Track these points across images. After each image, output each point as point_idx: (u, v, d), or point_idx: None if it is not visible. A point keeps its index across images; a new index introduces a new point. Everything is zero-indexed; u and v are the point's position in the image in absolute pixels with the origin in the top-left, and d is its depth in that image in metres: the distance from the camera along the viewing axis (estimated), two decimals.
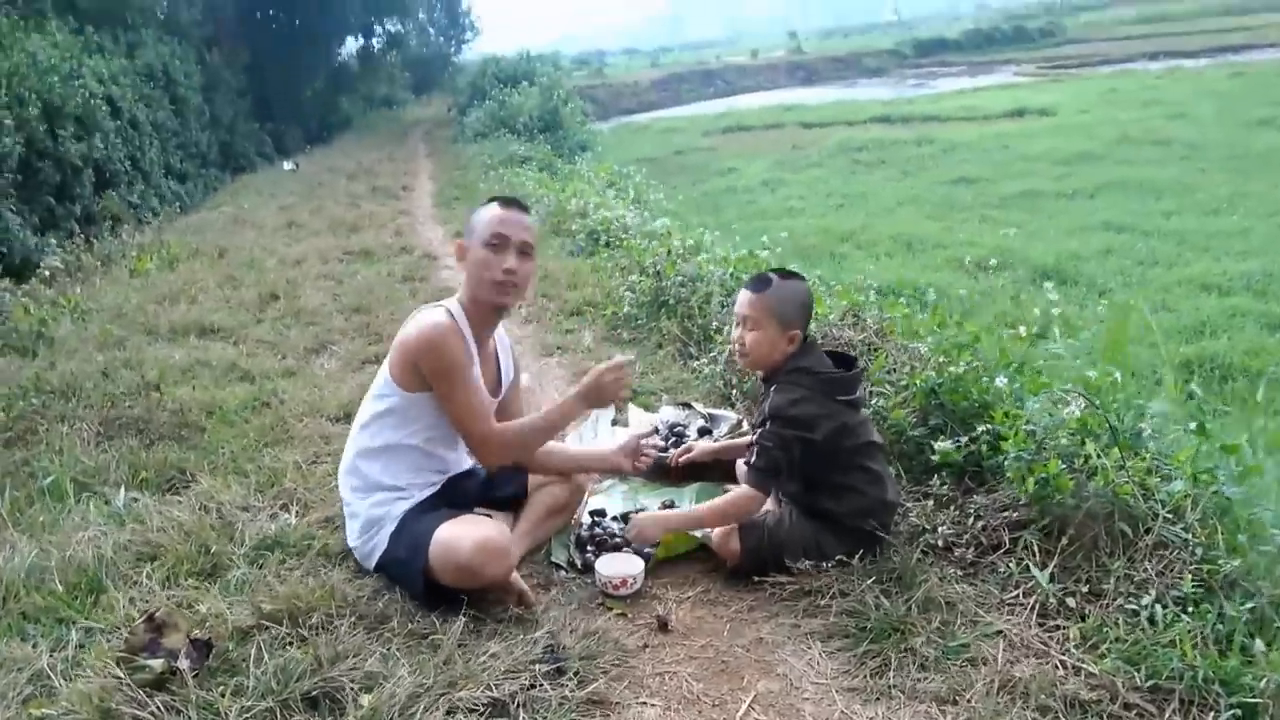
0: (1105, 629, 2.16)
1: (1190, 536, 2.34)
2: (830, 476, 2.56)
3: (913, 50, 40.51)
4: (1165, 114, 14.99)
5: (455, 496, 2.70)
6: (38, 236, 8.84)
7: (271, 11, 20.88)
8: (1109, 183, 10.58)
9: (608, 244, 6.82)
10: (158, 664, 2.08)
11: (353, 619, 2.36)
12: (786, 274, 2.72)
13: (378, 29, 27.95)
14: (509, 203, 2.61)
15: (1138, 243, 8.07)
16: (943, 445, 2.75)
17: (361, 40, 27.73)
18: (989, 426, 2.70)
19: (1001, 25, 45.64)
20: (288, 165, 14.90)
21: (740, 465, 3.00)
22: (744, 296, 2.72)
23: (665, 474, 3.18)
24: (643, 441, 2.82)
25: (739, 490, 2.65)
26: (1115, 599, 2.25)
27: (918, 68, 36.33)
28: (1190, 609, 2.14)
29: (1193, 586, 2.20)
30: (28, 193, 9.18)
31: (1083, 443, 2.58)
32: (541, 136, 15.85)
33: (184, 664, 2.11)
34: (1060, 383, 2.86)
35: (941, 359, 3.06)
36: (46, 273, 6.65)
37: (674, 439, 3.31)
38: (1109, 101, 17.66)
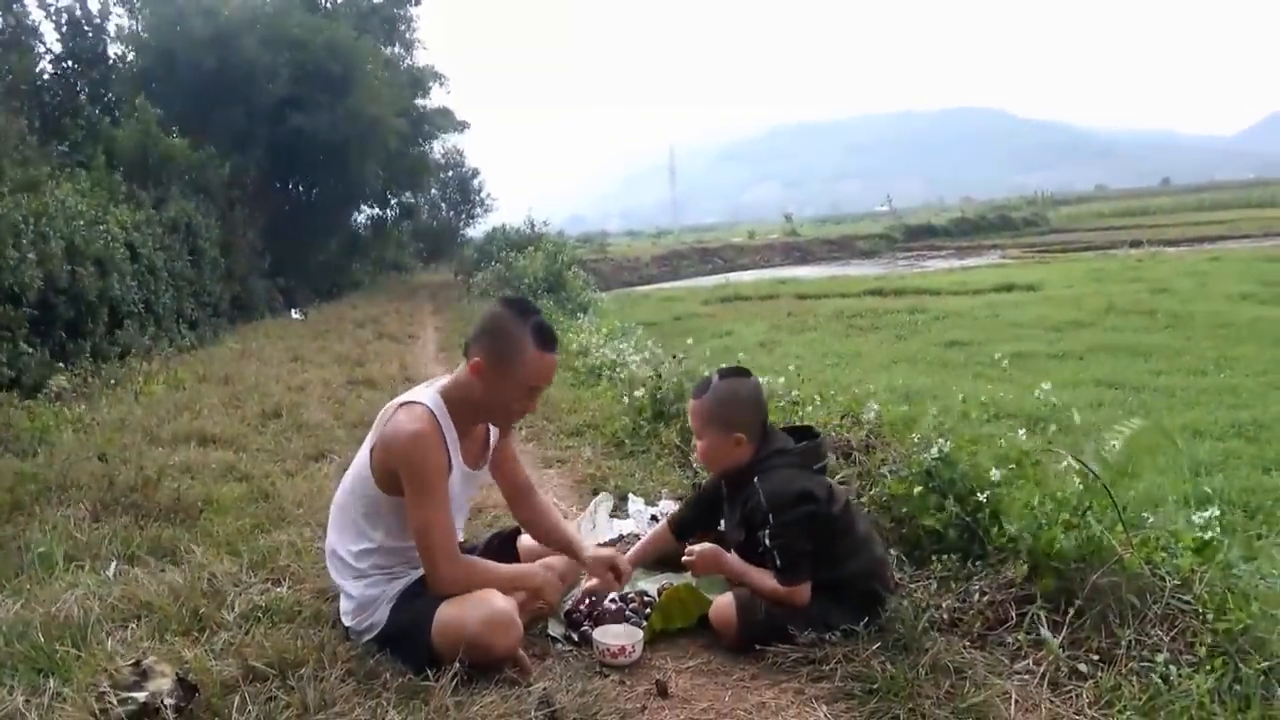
0: (1120, 689, 2.11)
1: (1200, 607, 2.31)
2: (827, 545, 2.53)
3: (903, 235, 42.19)
4: (1149, 289, 15.49)
5: None
6: (47, 366, 8.95)
7: (292, 184, 21.92)
8: (1097, 346, 10.79)
9: (610, 379, 6.91)
10: (142, 695, 2.01)
11: (343, 673, 2.29)
12: (730, 372, 2.68)
13: (391, 200, 29.22)
14: (553, 344, 2.46)
15: (1129, 397, 8.18)
16: (934, 502, 2.75)
17: (375, 210, 28.98)
18: (988, 494, 2.71)
19: (987, 214, 47.85)
20: (296, 314, 15.23)
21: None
22: (690, 404, 2.72)
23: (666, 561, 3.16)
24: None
25: (783, 590, 2.51)
26: (1128, 662, 2.20)
27: (908, 251, 37.59)
28: (1205, 669, 2.09)
29: (1206, 651, 2.15)
30: (44, 326, 9.37)
31: (1085, 516, 2.59)
32: (546, 296, 16.29)
33: (169, 701, 2.03)
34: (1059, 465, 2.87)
35: (940, 440, 3.09)
36: (54, 390, 6.68)
37: None
38: (1094, 279, 18.24)
